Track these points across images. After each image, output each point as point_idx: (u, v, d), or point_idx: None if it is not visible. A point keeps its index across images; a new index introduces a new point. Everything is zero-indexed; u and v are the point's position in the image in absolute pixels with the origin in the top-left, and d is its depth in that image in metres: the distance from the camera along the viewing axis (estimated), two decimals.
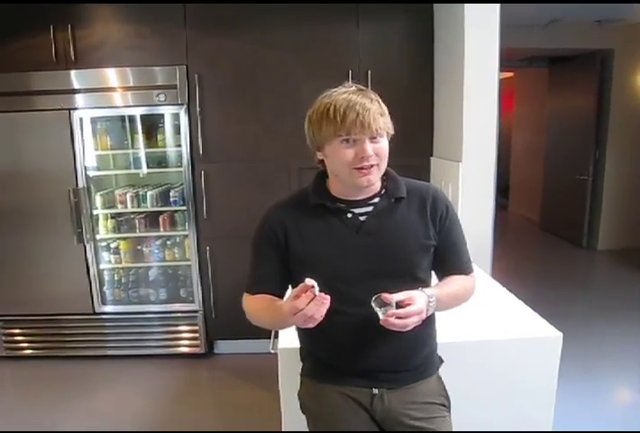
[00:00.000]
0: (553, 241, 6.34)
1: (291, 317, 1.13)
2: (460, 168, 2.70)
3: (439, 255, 1.38)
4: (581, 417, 2.58)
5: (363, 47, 3.12)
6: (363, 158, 1.23)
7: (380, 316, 1.18)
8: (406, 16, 3.13)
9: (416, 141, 3.20)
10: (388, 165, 1.32)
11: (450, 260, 1.39)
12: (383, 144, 1.26)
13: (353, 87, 1.27)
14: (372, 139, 1.24)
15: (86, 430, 2.67)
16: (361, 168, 1.25)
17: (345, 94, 1.24)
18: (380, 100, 1.28)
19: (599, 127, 5.61)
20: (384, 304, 1.19)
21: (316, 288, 1.12)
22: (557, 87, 6.32)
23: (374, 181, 1.30)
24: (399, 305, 1.18)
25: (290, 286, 1.40)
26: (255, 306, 1.36)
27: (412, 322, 1.18)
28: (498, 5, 2.58)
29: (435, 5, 3.08)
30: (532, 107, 7.40)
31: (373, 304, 1.19)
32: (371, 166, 1.25)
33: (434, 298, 1.25)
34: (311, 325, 1.14)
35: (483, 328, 1.82)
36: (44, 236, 3.30)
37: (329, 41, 3.12)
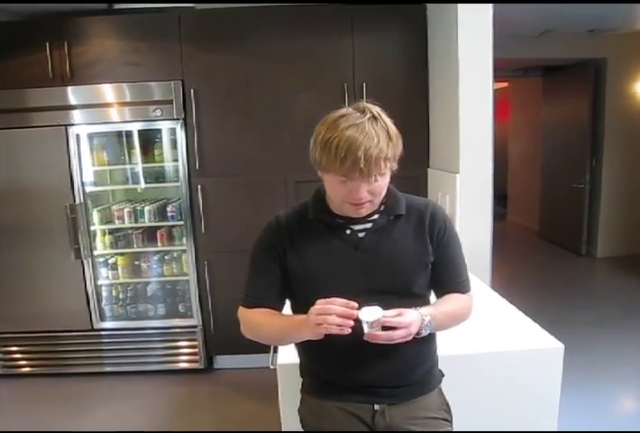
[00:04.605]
0: (552, 249, 6.34)
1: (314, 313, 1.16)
2: (457, 179, 2.70)
3: (436, 271, 1.36)
4: (585, 427, 2.55)
5: (358, 59, 3.14)
6: (356, 197, 1.23)
7: (365, 329, 1.16)
8: (399, 27, 3.16)
9: (413, 152, 3.14)
10: None
11: (446, 276, 1.38)
12: (381, 182, 1.23)
13: (367, 116, 1.18)
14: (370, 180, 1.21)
15: (86, 430, 2.66)
16: (354, 203, 1.25)
17: (353, 129, 1.15)
18: (391, 128, 1.20)
19: (595, 135, 5.63)
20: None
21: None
22: (552, 96, 6.36)
23: (365, 213, 1.30)
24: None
25: (289, 301, 1.39)
26: (257, 319, 1.35)
27: (397, 336, 1.17)
28: (490, 14, 2.60)
29: (429, 14, 3.10)
30: (527, 116, 7.44)
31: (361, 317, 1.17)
32: (364, 202, 1.25)
33: (429, 317, 1.24)
34: (321, 331, 1.15)
35: (484, 340, 1.80)
36: (41, 252, 3.28)
37: (324, 54, 3.14)
